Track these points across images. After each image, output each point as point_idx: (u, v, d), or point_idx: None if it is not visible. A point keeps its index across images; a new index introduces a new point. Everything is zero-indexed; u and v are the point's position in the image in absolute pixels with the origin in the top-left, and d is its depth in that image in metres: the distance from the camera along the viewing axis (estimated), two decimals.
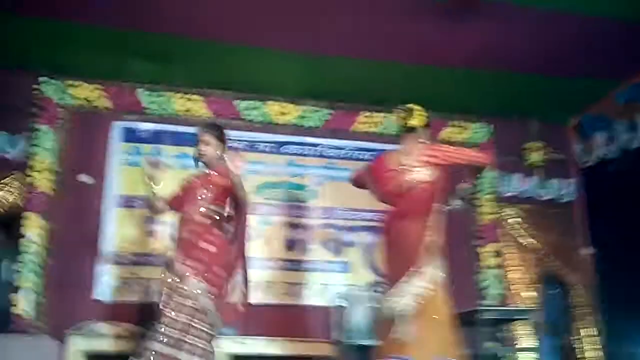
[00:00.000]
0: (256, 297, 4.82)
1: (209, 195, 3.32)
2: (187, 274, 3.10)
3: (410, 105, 3.54)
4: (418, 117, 3.50)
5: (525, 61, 4.76)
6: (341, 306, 4.90)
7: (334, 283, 5.08)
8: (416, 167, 3.34)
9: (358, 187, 3.78)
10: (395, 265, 3.27)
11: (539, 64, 4.80)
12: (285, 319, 4.83)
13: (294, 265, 5.08)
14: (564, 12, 4.11)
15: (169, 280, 3.13)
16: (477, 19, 4.20)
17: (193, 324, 3.01)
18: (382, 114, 5.49)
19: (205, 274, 3.11)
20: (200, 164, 3.50)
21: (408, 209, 3.28)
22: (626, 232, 5.05)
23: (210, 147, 3.44)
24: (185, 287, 3.07)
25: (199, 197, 3.32)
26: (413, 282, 3.15)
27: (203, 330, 3.05)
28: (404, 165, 3.38)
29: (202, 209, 3.29)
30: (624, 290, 5.05)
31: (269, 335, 4.43)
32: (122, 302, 4.60)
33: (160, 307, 3.05)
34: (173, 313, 3.00)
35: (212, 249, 3.21)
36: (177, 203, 3.47)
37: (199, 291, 3.07)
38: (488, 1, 4.02)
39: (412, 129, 3.48)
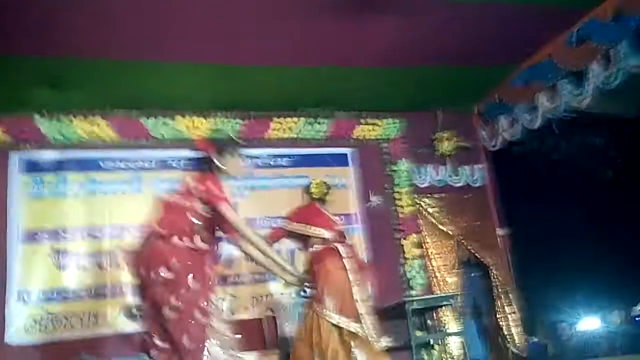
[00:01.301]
0: None
1: None
2: None
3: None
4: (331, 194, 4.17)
5: (428, 54, 4.88)
6: (271, 316, 4.87)
7: (262, 294, 5.03)
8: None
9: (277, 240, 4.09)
10: None
11: (441, 55, 4.92)
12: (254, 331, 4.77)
13: (219, 280, 4.97)
14: (460, 1, 4.22)
15: None
16: (376, 16, 4.25)
17: None
18: (294, 119, 5.50)
19: None
20: None
21: None
22: (536, 209, 5.30)
23: None
24: None
25: None
26: None
27: None
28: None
29: None
30: (539, 265, 5.31)
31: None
32: (35, 343, 4.35)
33: None
34: None
35: None
36: None
37: None
38: None
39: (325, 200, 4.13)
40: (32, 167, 4.81)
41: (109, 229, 4.78)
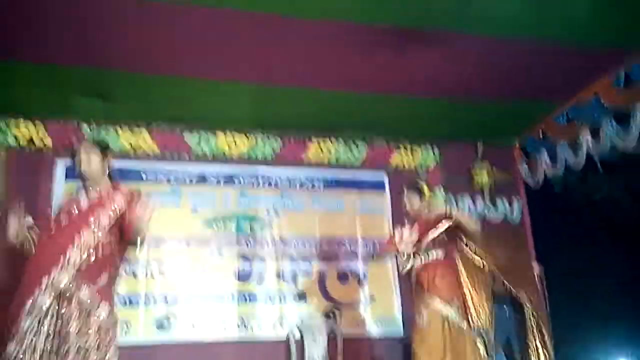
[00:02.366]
0: (209, 333, 4.77)
1: None
2: None
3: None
4: None
5: (470, 86, 4.86)
6: (297, 337, 4.86)
7: (289, 314, 5.03)
8: None
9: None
10: None
11: (482, 88, 4.90)
12: (240, 355, 4.74)
13: (249, 297, 5.00)
14: (504, 37, 4.21)
15: None
16: (422, 48, 4.27)
17: None
18: (333, 142, 5.53)
19: None
20: None
21: None
22: (573, 248, 5.20)
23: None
24: None
25: None
26: None
27: None
28: None
29: None
30: (572, 304, 5.19)
31: None
32: None
33: None
34: None
35: None
36: None
37: None
38: (432, 29, 4.10)
39: None
40: (77, 174, 4.91)
41: (146, 239, 4.83)
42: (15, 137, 4.82)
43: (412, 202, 3.97)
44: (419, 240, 3.82)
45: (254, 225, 5.24)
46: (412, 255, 3.90)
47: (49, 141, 4.89)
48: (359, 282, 5.32)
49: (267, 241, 5.22)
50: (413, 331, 3.84)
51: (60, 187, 4.85)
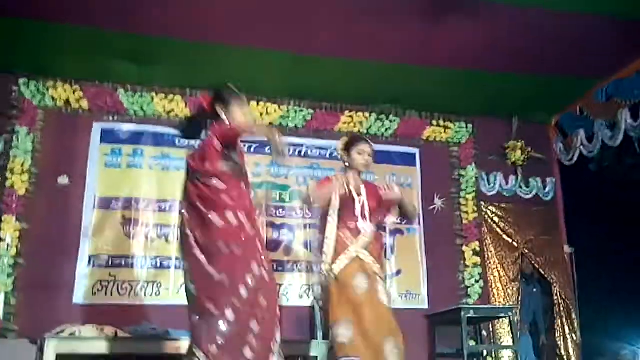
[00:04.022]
0: None
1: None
2: None
3: None
4: None
5: (506, 60, 4.77)
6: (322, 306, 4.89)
7: (316, 283, 5.06)
8: None
9: None
10: None
11: (519, 62, 4.80)
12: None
13: (277, 266, 5.05)
14: (543, 9, 4.11)
15: None
16: (458, 19, 4.20)
17: None
18: (364, 114, 5.50)
19: None
20: None
21: None
22: (606, 229, 5.09)
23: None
24: None
25: None
26: None
27: None
28: None
29: None
30: (601, 287, 5.10)
31: None
32: (100, 305, 4.56)
33: None
34: None
35: None
36: None
37: None
38: (469, 0, 4.02)
39: None
40: (112, 137, 5.02)
41: (177, 204, 4.92)
42: (53, 99, 4.91)
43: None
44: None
45: (284, 194, 5.27)
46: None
47: (85, 103, 4.97)
48: (386, 255, 5.31)
49: (296, 211, 5.24)
50: None
51: (95, 149, 4.95)
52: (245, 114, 2.80)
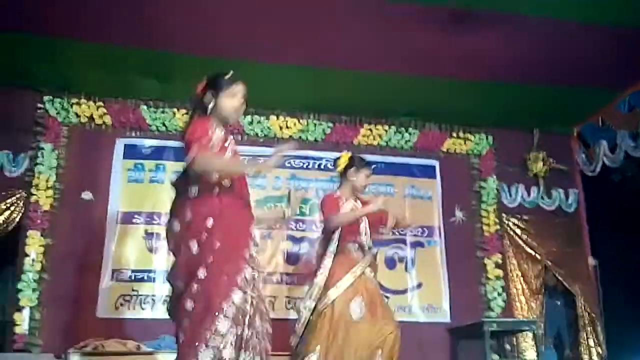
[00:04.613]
0: None
1: None
2: None
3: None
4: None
5: (525, 71, 4.74)
6: None
7: (299, 295, 5.04)
8: None
9: None
10: None
11: (539, 73, 4.78)
12: (287, 334, 4.79)
13: (296, 279, 5.05)
14: (564, 20, 4.09)
15: None
16: (477, 30, 4.20)
17: None
18: (384, 126, 5.51)
19: None
20: None
21: None
22: (629, 240, 5.01)
23: None
24: None
25: None
26: None
27: None
28: None
29: None
30: (626, 299, 5.01)
31: (272, 351, 4.38)
32: (123, 319, 4.60)
33: None
34: None
35: None
36: None
37: None
38: (488, 11, 4.02)
39: None
40: (134, 153, 5.09)
41: None
42: (77, 115, 5.00)
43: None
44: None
45: (304, 207, 5.28)
46: None
47: (108, 119, 5.05)
48: (406, 268, 5.30)
49: (316, 224, 5.24)
50: None
51: (119, 165, 5.02)
52: (235, 108, 2.55)
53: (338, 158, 3.67)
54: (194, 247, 2.38)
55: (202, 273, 2.33)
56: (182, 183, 2.52)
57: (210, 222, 2.39)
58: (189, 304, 2.31)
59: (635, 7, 3.90)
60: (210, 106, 2.53)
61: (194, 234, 2.39)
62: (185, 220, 2.42)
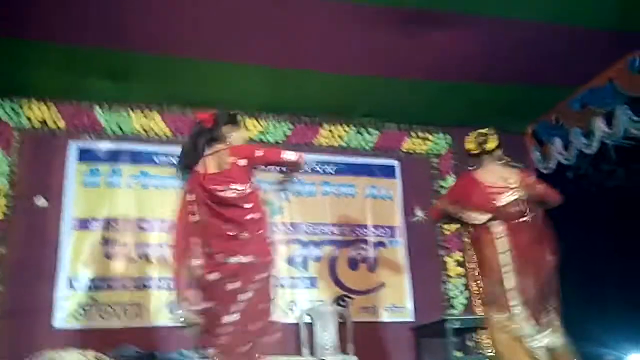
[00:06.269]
0: None
1: None
2: None
3: (484, 130, 3.80)
4: (492, 140, 3.75)
5: (482, 70, 4.81)
6: (308, 322, 4.86)
7: (300, 299, 5.03)
8: (514, 188, 3.54)
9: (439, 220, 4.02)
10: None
11: (495, 73, 4.85)
12: None
13: None
14: (518, 20, 4.16)
15: None
16: (434, 30, 4.24)
17: None
18: (344, 127, 5.52)
19: None
20: None
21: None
22: (585, 236, 5.13)
23: None
24: None
25: None
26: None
27: None
28: (502, 186, 3.55)
29: None
30: (583, 296, 5.13)
31: None
32: (81, 329, 4.46)
33: None
34: None
35: None
36: None
37: None
38: (444, 11, 4.06)
39: (489, 152, 3.73)
40: (89, 156, 4.93)
41: (158, 223, 4.86)
42: (29, 119, 4.82)
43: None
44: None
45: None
46: None
47: (62, 123, 4.89)
48: (370, 268, 5.32)
49: (277, 226, 5.20)
50: None
51: (73, 169, 4.85)
52: (245, 140, 3.19)
53: None
54: None
55: None
56: None
57: None
58: None
59: (587, 6, 4.00)
60: None
61: None
62: None
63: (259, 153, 3.04)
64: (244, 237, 2.81)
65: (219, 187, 2.87)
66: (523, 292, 3.28)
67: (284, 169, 3.29)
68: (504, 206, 3.46)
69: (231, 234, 2.82)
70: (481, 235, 3.46)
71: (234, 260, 2.76)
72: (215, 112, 3.10)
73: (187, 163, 2.99)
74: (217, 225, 2.84)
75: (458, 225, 5.41)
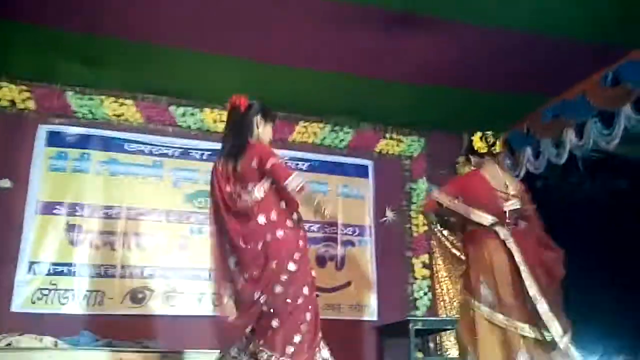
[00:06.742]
0: (189, 309, 4.75)
1: None
2: None
3: (490, 133, 3.78)
4: (499, 144, 3.76)
5: (460, 76, 4.85)
6: None
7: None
8: (515, 196, 3.54)
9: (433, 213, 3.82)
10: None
11: (473, 79, 4.90)
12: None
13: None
14: (496, 28, 4.20)
15: None
16: (414, 33, 4.26)
17: None
18: (319, 124, 5.52)
19: None
20: None
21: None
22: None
23: None
24: None
25: None
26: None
27: None
28: (505, 192, 3.54)
29: None
30: None
31: (201, 348, 4.29)
32: (40, 313, 4.39)
33: None
34: None
35: None
36: None
37: None
38: (425, 16, 4.09)
39: (495, 155, 3.71)
40: (58, 140, 4.85)
41: (125, 211, 4.81)
42: None
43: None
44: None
45: None
46: None
47: (31, 104, 4.80)
48: (337, 266, 5.33)
49: None
50: None
51: (40, 152, 4.77)
52: (270, 138, 3.09)
53: None
54: None
55: None
56: None
57: None
58: None
59: (563, 17, 4.05)
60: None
61: None
62: None
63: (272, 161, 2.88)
64: None
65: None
66: (545, 294, 3.29)
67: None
68: (509, 212, 3.48)
69: None
70: (483, 237, 3.45)
71: None
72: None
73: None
74: None
75: (426, 228, 5.51)
